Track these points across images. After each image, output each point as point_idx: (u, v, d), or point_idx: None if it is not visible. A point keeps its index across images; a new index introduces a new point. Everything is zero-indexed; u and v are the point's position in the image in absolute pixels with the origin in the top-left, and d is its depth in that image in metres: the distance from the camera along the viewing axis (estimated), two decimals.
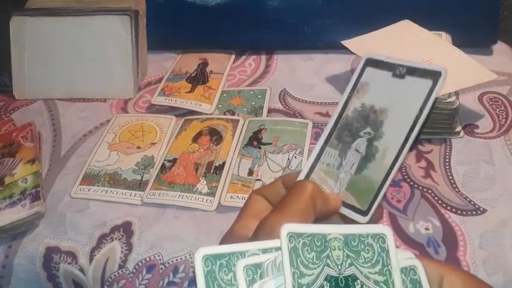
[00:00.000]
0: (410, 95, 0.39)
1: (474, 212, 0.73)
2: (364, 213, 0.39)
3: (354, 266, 0.31)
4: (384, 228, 0.32)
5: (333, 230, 0.31)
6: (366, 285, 0.31)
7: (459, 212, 0.73)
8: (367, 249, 0.32)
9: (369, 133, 0.41)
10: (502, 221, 0.71)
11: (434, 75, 0.38)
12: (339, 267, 0.31)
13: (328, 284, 0.30)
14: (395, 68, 0.40)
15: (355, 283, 0.31)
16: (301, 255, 0.30)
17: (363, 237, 0.32)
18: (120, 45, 0.97)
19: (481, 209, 0.73)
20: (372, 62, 0.42)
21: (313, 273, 0.30)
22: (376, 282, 0.31)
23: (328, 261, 0.31)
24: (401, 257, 0.33)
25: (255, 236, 0.35)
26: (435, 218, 0.72)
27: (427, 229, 0.71)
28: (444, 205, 0.74)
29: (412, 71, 0.40)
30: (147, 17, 1.04)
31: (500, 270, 0.66)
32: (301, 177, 0.41)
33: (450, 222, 0.72)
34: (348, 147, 0.41)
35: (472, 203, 0.74)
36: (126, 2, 1.01)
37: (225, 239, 0.38)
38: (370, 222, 0.39)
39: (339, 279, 0.30)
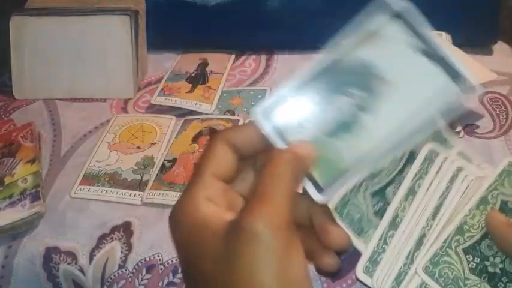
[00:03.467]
0: (429, 88, 0.31)
1: None
2: (320, 189, 0.32)
3: None
4: None
5: None
6: None
7: None
8: None
9: (361, 98, 0.32)
10: None
11: (461, 83, 0.30)
12: None
13: None
14: (426, 41, 0.32)
15: None
16: None
17: None
18: (120, 45, 0.97)
19: None
20: (402, 16, 0.33)
21: None
22: None
23: None
24: None
25: (234, 238, 0.29)
26: None
27: None
28: None
29: (441, 60, 0.31)
30: (147, 17, 1.04)
31: None
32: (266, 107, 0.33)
33: None
34: (330, 98, 0.32)
35: None
36: (126, 2, 1.01)
37: (185, 205, 0.32)
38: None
39: None
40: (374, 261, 0.44)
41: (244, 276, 0.28)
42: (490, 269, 0.40)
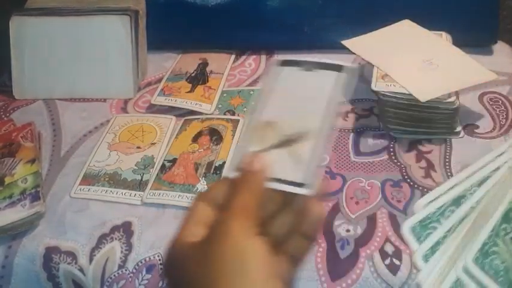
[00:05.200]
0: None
1: None
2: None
3: None
4: None
5: None
6: None
7: None
8: None
9: None
10: None
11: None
12: None
13: None
14: None
15: None
16: None
17: None
18: (120, 45, 0.97)
19: None
20: None
21: None
22: None
23: None
24: None
25: (210, 242, 0.35)
26: None
27: None
28: None
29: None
30: (147, 17, 1.04)
31: None
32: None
33: None
34: None
35: None
36: (126, 2, 1.01)
37: (172, 248, 0.37)
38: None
39: None
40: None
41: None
42: None
